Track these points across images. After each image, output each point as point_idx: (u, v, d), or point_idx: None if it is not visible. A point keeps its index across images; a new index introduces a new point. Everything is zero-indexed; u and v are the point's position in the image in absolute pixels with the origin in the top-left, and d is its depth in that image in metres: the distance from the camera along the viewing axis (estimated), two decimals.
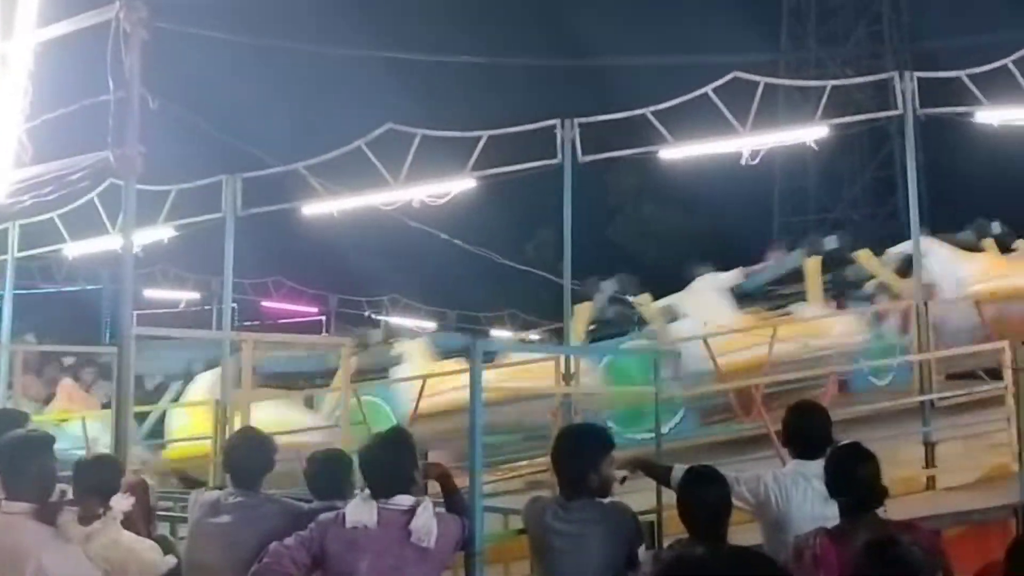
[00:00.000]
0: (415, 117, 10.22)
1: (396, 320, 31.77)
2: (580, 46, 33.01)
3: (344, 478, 4.83)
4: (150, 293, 27.62)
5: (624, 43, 34.69)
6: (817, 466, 4.59)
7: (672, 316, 11.86)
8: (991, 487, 8.03)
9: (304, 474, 4.92)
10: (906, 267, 11.92)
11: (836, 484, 4.32)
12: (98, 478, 4.33)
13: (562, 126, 9.78)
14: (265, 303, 32.55)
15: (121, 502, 4.18)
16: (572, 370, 9.22)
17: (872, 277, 12.79)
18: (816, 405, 5.26)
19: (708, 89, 9.85)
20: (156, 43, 6.55)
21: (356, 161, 10.20)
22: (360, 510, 4.16)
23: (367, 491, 4.24)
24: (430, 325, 30.20)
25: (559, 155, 9.77)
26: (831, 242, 12.69)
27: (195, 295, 28.42)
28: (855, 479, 4.26)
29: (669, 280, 13.52)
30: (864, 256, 12.81)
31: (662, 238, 37.28)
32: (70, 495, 4.19)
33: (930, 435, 8.64)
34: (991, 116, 10.22)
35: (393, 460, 4.28)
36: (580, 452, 4.45)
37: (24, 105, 7.08)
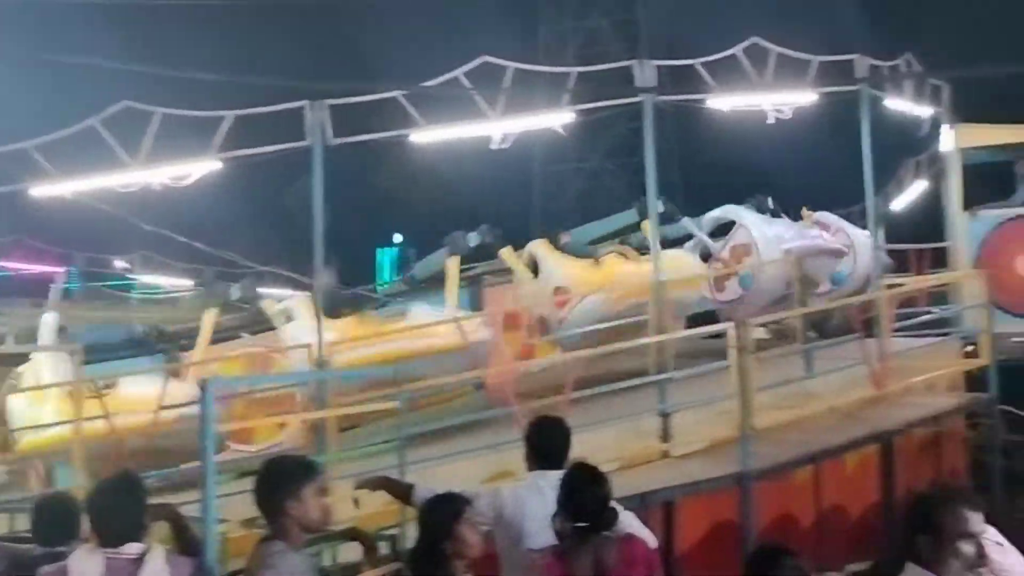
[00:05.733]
0: (153, 94, 9.60)
1: (150, 278, 30.24)
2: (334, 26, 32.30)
3: (72, 523, 4.62)
4: None
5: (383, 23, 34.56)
6: (556, 477, 4.76)
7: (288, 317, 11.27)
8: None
9: (30, 521, 4.68)
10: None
11: (568, 504, 4.50)
12: None
13: (311, 107, 9.54)
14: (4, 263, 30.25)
15: None
16: None
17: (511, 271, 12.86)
18: (556, 418, 5.46)
19: (459, 72, 9.91)
20: None
21: (89, 141, 9.52)
22: (85, 562, 4.01)
23: (94, 541, 4.08)
24: (187, 282, 28.88)
25: (307, 137, 9.54)
26: (474, 238, 12.49)
27: None
28: (586, 501, 4.46)
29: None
30: (505, 253, 12.74)
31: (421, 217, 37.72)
32: None
33: (666, 409, 9.23)
34: (722, 102, 11.00)
35: (122, 506, 4.12)
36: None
37: None
